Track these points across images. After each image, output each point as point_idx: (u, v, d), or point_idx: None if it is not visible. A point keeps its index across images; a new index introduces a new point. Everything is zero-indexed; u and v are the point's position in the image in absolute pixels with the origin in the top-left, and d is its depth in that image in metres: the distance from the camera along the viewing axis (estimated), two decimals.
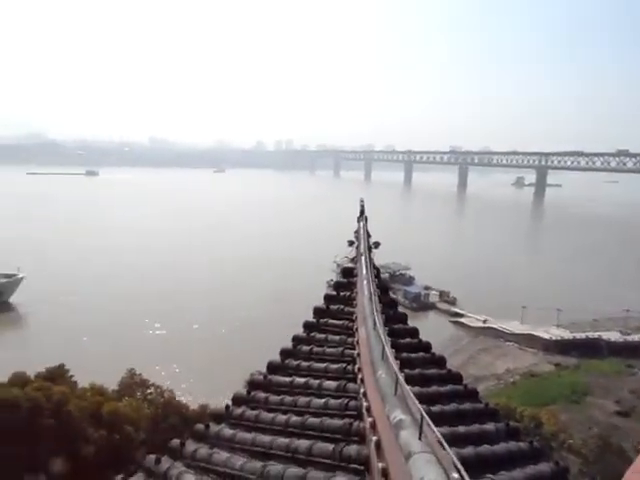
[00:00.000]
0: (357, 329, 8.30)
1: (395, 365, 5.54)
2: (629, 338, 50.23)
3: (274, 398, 7.46)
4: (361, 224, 11.86)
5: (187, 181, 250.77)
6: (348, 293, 10.15)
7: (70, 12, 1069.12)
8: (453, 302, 63.61)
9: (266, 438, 6.44)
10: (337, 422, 6.29)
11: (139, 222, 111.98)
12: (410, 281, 68.04)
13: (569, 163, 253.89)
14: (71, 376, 21.72)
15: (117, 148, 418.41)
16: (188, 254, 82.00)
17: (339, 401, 6.76)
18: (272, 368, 8.35)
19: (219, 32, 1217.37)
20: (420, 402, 4.46)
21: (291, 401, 7.21)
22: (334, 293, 10.35)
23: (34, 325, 52.51)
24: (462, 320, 57.93)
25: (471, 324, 56.60)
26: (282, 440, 6.28)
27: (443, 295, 64.91)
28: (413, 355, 8.61)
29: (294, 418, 6.68)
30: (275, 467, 5.77)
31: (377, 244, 11.61)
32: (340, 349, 8.31)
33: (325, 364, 7.95)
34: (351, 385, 7.07)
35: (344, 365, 7.72)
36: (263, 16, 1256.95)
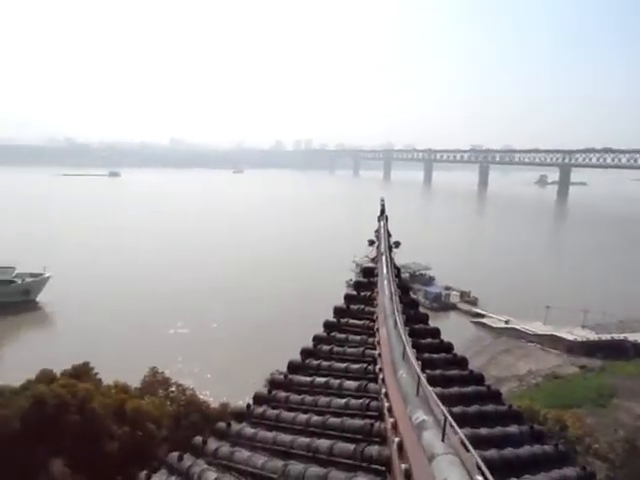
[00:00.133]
0: (378, 329, 8.26)
1: (417, 365, 5.49)
2: None
3: (295, 397, 7.47)
4: (381, 223, 11.79)
5: (206, 182, 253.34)
6: (369, 293, 10.10)
7: (96, 20, 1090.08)
8: (474, 302, 62.84)
9: (287, 437, 6.45)
10: (358, 422, 6.27)
11: (159, 223, 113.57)
12: (430, 281, 67.46)
13: (594, 160, 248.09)
14: (96, 374, 22.16)
15: (138, 149, 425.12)
16: (207, 254, 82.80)
17: (360, 401, 6.73)
18: (293, 368, 8.36)
19: (239, 34, 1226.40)
20: (442, 403, 4.41)
21: (312, 401, 7.21)
22: (354, 293, 10.30)
23: (60, 324, 53.77)
24: (483, 321, 57.19)
25: (493, 325, 55.83)
26: (303, 439, 6.28)
27: (464, 295, 64.18)
28: (434, 356, 8.53)
29: (315, 418, 6.67)
30: (296, 466, 5.77)
31: (397, 243, 11.52)
32: (361, 349, 8.27)
33: (346, 364, 7.93)
34: (372, 385, 7.03)
35: (365, 365, 7.69)
36: (283, 16, 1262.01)
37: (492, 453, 6.13)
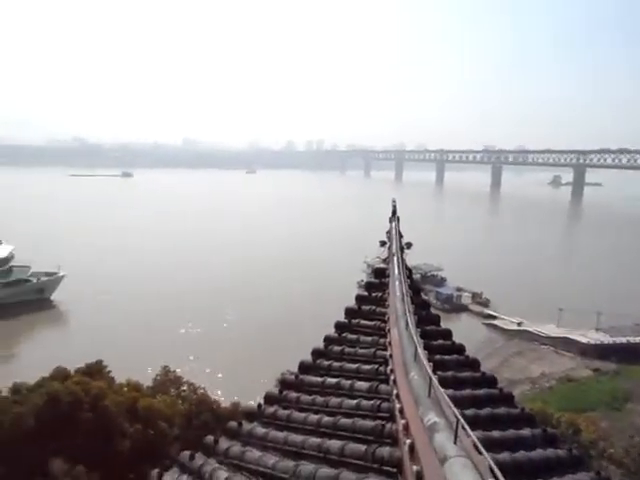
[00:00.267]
0: (389, 330, 8.23)
1: (428, 367, 5.47)
2: None
3: (306, 398, 7.48)
4: (393, 224, 11.76)
5: (219, 182, 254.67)
6: (380, 294, 10.08)
7: (108, 20, 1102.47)
8: (486, 304, 62.36)
9: (298, 437, 6.46)
10: (369, 423, 6.25)
11: (172, 223, 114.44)
12: (442, 282, 67.11)
13: (610, 161, 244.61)
14: (109, 372, 22.39)
15: (151, 150, 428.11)
16: (220, 254, 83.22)
17: (371, 402, 6.72)
18: (304, 368, 8.38)
19: (252, 35, 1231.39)
20: (453, 405, 4.38)
21: (323, 401, 7.21)
22: (366, 294, 10.29)
23: (73, 322, 54.45)
24: (496, 322, 56.72)
25: (505, 326, 55.35)
26: (314, 440, 6.29)
27: (476, 297, 63.72)
28: (446, 357, 8.48)
29: (326, 418, 6.68)
30: (307, 467, 5.78)
31: (409, 244, 11.49)
32: (372, 350, 8.26)
33: (357, 365, 7.92)
34: (383, 386, 7.01)
35: (376, 366, 7.67)
36: (295, 16, 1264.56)
37: (504, 456, 6.08)
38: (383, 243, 11.76)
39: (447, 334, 9.32)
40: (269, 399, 7.78)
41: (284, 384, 8.11)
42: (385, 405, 6.51)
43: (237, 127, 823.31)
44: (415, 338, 6.49)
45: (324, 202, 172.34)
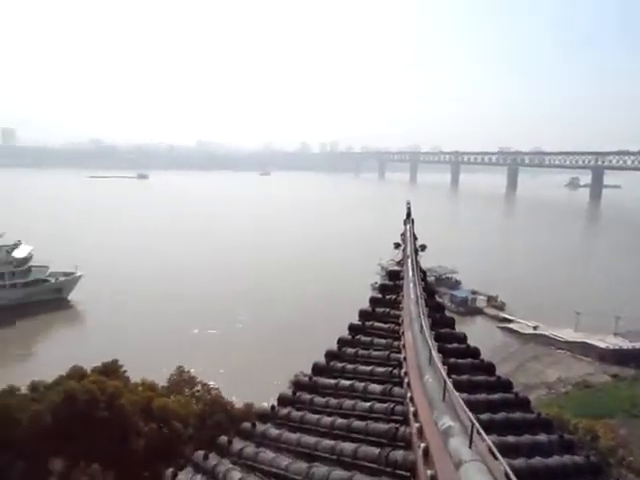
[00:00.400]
0: (403, 333, 8.19)
1: (443, 370, 5.42)
2: None
3: (319, 400, 7.47)
4: (407, 226, 11.70)
5: (233, 184, 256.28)
6: (394, 296, 10.02)
7: (121, 23, 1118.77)
8: (502, 307, 61.74)
9: (311, 439, 6.45)
10: (383, 426, 6.22)
11: (187, 224, 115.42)
12: (456, 285, 66.65)
13: (629, 162, 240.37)
14: (124, 371, 22.66)
15: (166, 152, 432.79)
16: (234, 256, 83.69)
17: (385, 405, 6.68)
18: (317, 370, 8.36)
19: (266, 36, 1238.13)
20: (468, 409, 4.34)
21: (336, 403, 7.19)
22: (380, 296, 10.24)
23: (90, 321, 55.25)
24: (511, 326, 56.11)
25: (521, 330, 54.71)
26: (327, 442, 6.28)
27: (491, 300, 63.13)
28: (461, 361, 8.39)
29: (339, 420, 6.66)
30: (320, 469, 5.77)
31: (423, 247, 11.41)
32: (386, 352, 8.21)
33: (371, 367, 7.89)
34: (397, 389, 6.97)
35: (390, 369, 7.63)
36: (309, 17, 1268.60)
37: (520, 462, 5.99)
38: (397, 245, 11.71)
39: (462, 337, 9.23)
40: (282, 400, 7.78)
41: (297, 386, 8.11)
42: (399, 408, 6.47)
43: (251, 129, 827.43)
44: (429, 341, 6.44)
45: (338, 204, 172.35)
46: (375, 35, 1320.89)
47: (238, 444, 6.99)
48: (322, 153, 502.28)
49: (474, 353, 8.81)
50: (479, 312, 61.13)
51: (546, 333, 52.33)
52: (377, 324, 9.28)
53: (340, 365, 8.24)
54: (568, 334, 51.08)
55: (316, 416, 7.01)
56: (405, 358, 7.34)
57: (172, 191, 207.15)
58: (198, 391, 24.24)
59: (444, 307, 10.71)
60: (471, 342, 9.27)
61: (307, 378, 8.15)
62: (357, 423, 6.47)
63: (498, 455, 3.46)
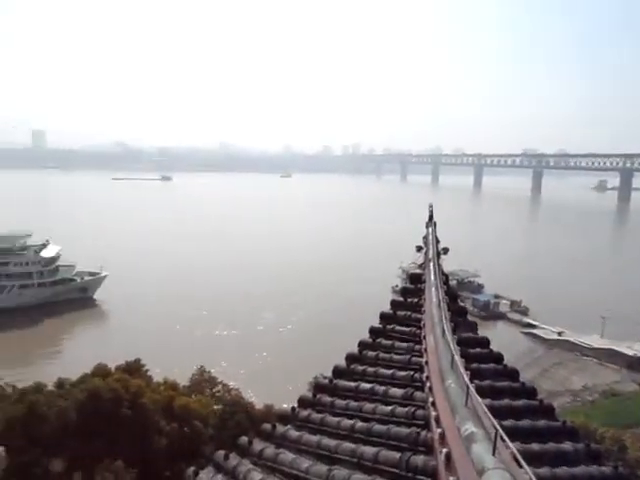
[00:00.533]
0: (425, 336, 8.11)
1: (465, 375, 5.34)
2: None
3: (340, 402, 7.44)
4: (430, 229, 11.59)
5: (255, 186, 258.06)
6: (416, 299, 9.93)
7: (146, 29, 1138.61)
8: (525, 312, 60.60)
9: (332, 442, 6.43)
10: (404, 430, 6.16)
11: (209, 226, 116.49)
12: (479, 289, 65.73)
13: None
14: (146, 370, 22.99)
15: (189, 154, 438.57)
16: (255, 258, 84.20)
17: (406, 409, 6.62)
18: (338, 372, 8.34)
19: (288, 39, 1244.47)
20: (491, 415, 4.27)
21: (356, 406, 7.16)
22: (401, 299, 10.16)
23: (114, 320, 56.27)
24: (535, 331, 55.02)
25: (545, 336, 53.60)
26: (347, 445, 6.25)
27: (514, 304, 62.02)
28: (483, 366, 8.25)
29: (360, 424, 6.62)
30: (340, 472, 5.75)
31: (446, 250, 11.29)
32: (407, 356, 8.14)
33: (392, 371, 7.82)
34: (418, 394, 6.90)
35: (411, 373, 7.56)
36: (330, 19, 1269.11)
37: (545, 471, 5.87)
38: (419, 248, 11.60)
39: (485, 342, 9.08)
40: (303, 402, 7.78)
41: (318, 388, 8.10)
42: (420, 413, 6.40)
43: (272, 132, 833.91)
44: (452, 345, 6.36)
45: (359, 206, 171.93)
46: (396, 38, 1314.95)
47: (258, 445, 7.01)
48: (344, 155, 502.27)
49: (497, 358, 8.66)
50: (502, 317, 60.12)
51: (571, 339, 51.14)
52: (398, 327, 9.20)
53: (361, 368, 8.20)
54: (594, 340, 49.83)
55: (336, 419, 6.98)
56: (427, 362, 7.26)
57: (195, 193, 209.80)
58: (218, 391, 24.47)
59: (466, 311, 10.57)
60: (493, 347, 9.12)
61: (327, 380, 8.13)
62: (378, 427, 6.43)
63: (523, 463, 3.39)
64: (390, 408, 6.78)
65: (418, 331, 8.73)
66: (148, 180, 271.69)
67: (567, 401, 39.08)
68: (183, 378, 25.03)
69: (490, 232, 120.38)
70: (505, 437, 3.78)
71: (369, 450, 5.98)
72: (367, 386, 7.59)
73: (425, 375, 7.04)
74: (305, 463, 6.16)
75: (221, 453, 7.14)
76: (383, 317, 9.60)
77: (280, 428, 7.25)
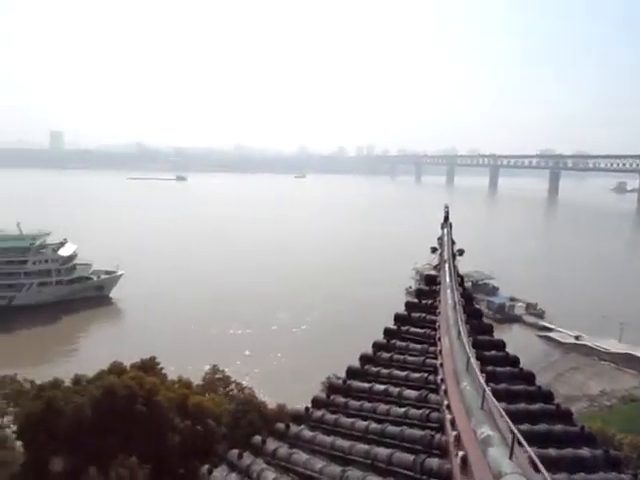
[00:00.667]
0: (440, 338, 8.04)
1: (481, 378, 5.29)
2: None
3: (353, 403, 7.41)
4: (445, 231, 11.50)
5: (269, 187, 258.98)
6: (430, 301, 9.86)
7: (163, 30, 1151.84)
8: (541, 315, 59.83)
9: (345, 443, 6.41)
10: (418, 433, 6.11)
11: (222, 227, 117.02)
12: (494, 291, 65.05)
13: None
14: (161, 368, 23.21)
15: (204, 154, 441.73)
16: (268, 259, 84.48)
17: (420, 411, 6.57)
18: (351, 373, 8.31)
19: (303, 41, 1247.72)
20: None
21: (370, 407, 7.13)
22: (416, 300, 10.10)
23: (129, 318, 56.96)
24: (551, 335, 54.30)
25: (561, 340, 52.85)
26: (361, 446, 6.22)
27: (530, 307, 61.27)
28: (499, 369, 8.16)
29: (373, 425, 6.59)
30: (354, 473, 5.72)
31: (461, 251, 11.19)
32: (422, 358, 8.08)
33: (406, 372, 7.77)
34: (433, 396, 6.84)
35: (426, 375, 7.50)
36: (345, 19, 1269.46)
37: (562, 477, 5.77)
38: (434, 250, 11.52)
39: (500, 345, 8.97)
40: (317, 403, 7.77)
41: (331, 388, 8.08)
42: (435, 415, 6.35)
43: (287, 133, 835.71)
44: (467, 347, 6.30)
45: (373, 208, 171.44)
46: (411, 36, 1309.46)
47: (272, 444, 7.01)
48: (358, 156, 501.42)
49: (513, 361, 8.56)
50: (517, 320, 59.44)
51: (588, 343, 50.36)
52: (413, 329, 9.14)
53: (375, 369, 8.16)
54: (612, 345, 49.01)
55: (350, 420, 6.96)
56: (441, 364, 7.20)
57: (209, 193, 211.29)
58: (232, 390, 24.60)
59: (482, 313, 10.46)
60: (509, 350, 9.02)
61: (341, 381, 8.11)
62: (391, 428, 6.38)
63: (541, 468, 3.34)
64: (404, 410, 6.73)
65: (433, 333, 8.66)
66: (163, 180, 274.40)
67: (584, 406, 38.49)
68: (197, 377, 25.22)
69: (506, 234, 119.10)
70: (523, 441, 3.73)
71: (383, 452, 5.94)
72: (381, 387, 7.55)
73: (440, 377, 6.99)
74: (319, 464, 6.14)
75: (235, 452, 7.16)
76: (398, 318, 9.55)
77: (294, 428, 7.25)
